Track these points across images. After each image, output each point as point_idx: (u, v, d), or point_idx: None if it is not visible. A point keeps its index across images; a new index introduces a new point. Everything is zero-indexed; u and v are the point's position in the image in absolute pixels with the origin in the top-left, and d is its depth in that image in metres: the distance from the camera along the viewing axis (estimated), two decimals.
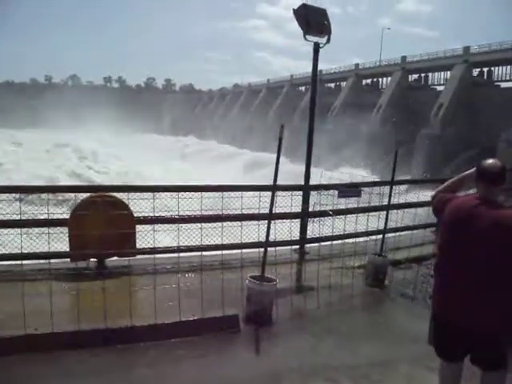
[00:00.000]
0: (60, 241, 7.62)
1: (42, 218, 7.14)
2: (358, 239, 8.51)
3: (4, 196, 7.30)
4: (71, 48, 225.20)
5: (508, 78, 51.26)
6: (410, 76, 61.10)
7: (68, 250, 7.63)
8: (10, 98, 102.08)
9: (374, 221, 8.82)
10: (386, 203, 8.57)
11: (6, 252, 7.25)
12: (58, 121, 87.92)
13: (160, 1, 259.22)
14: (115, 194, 7.88)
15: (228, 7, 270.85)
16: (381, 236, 8.52)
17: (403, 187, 10.93)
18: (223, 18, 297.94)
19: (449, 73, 53.49)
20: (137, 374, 5.32)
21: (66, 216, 7.58)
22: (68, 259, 7.74)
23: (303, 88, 78.40)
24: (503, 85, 50.96)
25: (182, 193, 7.67)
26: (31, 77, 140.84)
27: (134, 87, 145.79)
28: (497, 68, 51.95)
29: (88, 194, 7.84)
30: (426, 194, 10.03)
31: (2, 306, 5.48)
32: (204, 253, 7.15)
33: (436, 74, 60.35)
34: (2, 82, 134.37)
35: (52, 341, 5.45)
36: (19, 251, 6.59)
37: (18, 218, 6.61)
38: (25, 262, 6.64)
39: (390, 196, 8.50)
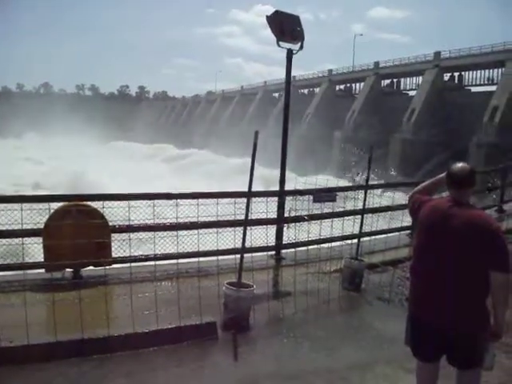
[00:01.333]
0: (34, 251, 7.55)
1: (16, 228, 7.04)
2: (333, 244, 8.56)
3: None
4: (44, 56, 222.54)
5: (478, 82, 52.17)
6: (382, 81, 61.79)
7: (43, 260, 7.56)
8: None
9: (350, 225, 8.89)
10: (361, 207, 8.65)
11: None
12: (26, 129, 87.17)
13: (133, 8, 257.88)
14: (90, 203, 7.82)
15: (201, 13, 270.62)
16: (356, 240, 8.59)
17: (378, 190, 11.04)
18: (197, 24, 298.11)
19: (421, 78, 54.27)
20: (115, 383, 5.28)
21: (41, 226, 7.50)
22: (43, 270, 7.66)
23: (277, 94, 78.70)
24: (473, 89, 51.86)
25: (157, 200, 7.63)
26: (3, 85, 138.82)
27: (107, 95, 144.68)
28: (467, 73, 52.84)
29: (62, 204, 7.77)
30: (400, 197, 10.22)
31: None
32: (180, 260, 7.14)
33: (408, 79, 61.12)
34: None
35: (28, 353, 5.37)
36: None
37: None
38: None
39: (364, 200, 8.57)
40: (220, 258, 7.12)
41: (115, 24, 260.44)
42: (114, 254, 7.89)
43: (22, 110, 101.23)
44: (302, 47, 9.27)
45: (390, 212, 10.37)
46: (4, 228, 7.21)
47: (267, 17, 9.11)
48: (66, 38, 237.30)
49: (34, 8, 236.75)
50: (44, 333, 5.84)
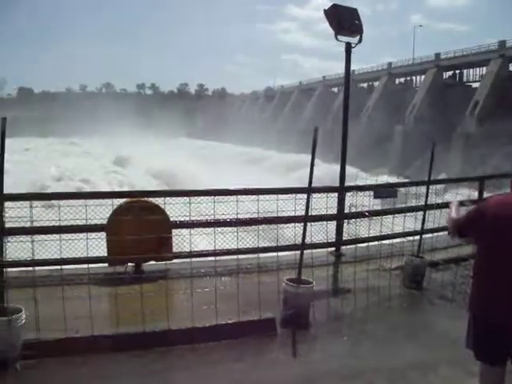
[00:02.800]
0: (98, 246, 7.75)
1: (80, 223, 7.25)
2: (394, 240, 8.42)
3: (43, 202, 7.45)
4: (106, 57, 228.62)
5: None
6: (444, 73, 60.21)
7: (106, 255, 7.76)
8: (46, 108, 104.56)
9: (411, 221, 8.71)
10: (423, 203, 8.45)
11: (47, 257, 7.39)
12: (92, 129, 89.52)
13: (190, 7, 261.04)
14: (151, 199, 7.98)
15: (256, 10, 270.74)
16: (418, 237, 8.40)
17: (440, 186, 10.77)
18: (253, 21, 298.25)
19: (484, 69, 52.53)
20: (175, 377, 5.37)
21: (104, 221, 7.71)
22: (106, 264, 7.88)
23: (336, 89, 77.99)
24: None
25: (218, 197, 7.68)
26: (66, 86, 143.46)
27: (167, 93, 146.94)
28: None
29: (125, 200, 7.96)
30: (464, 193, 9.92)
31: (43, 309, 5.57)
32: (240, 256, 7.16)
33: (471, 70, 59.36)
34: (39, 92, 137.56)
35: (92, 344, 5.54)
36: (59, 256, 6.70)
37: (57, 224, 6.73)
38: (64, 266, 6.74)
39: (426, 196, 8.38)
40: (280, 254, 7.12)
41: (174, 23, 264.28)
42: (174, 250, 8.02)
43: (85, 110, 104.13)
44: (360, 40, 9.13)
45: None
46: (69, 223, 7.44)
47: (325, 11, 9.02)
48: (126, 39, 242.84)
49: (96, 10, 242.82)
50: (107, 325, 6.02)
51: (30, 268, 6.60)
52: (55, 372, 5.21)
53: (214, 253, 7.27)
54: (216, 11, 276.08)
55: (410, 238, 8.81)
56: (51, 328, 5.57)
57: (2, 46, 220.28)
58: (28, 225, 6.50)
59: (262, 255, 7.28)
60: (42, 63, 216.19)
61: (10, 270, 5.86)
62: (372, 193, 8.78)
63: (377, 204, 8.79)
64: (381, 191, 8.84)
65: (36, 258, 6.47)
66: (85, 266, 6.96)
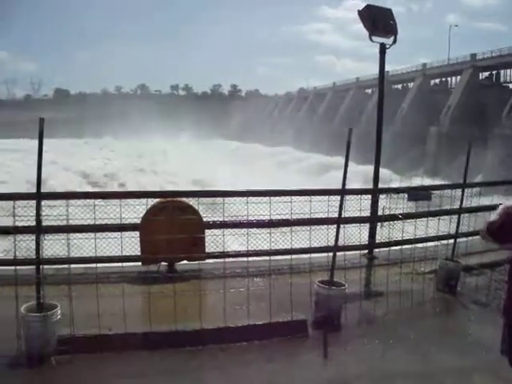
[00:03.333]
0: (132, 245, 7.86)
1: (115, 222, 7.38)
2: (428, 244, 8.31)
3: (79, 202, 7.58)
4: (141, 59, 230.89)
5: None
6: (480, 74, 59.14)
7: (139, 254, 7.85)
8: (82, 109, 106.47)
9: (445, 225, 8.58)
10: (458, 207, 8.32)
11: (82, 256, 7.52)
12: (127, 130, 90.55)
13: (224, 8, 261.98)
14: (185, 199, 8.06)
15: (289, 11, 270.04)
16: (452, 240, 8.27)
17: (476, 189, 10.57)
18: (287, 22, 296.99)
19: None
20: (206, 376, 5.42)
21: (138, 221, 7.81)
22: (139, 263, 7.97)
23: (370, 90, 77.33)
24: None
25: (251, 198, 7.70)
26: (102, 87, 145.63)
27: (201, 94, 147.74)
28: None
29: (158, 200, 8.05)
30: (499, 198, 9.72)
31: (77, 306, 5.68)
32: (273, 257, 7.17)
33: (508, 70, 58.16)
34: (75, 93, 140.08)
35: (125, 341, 5.63)
36: (94, 255, 6.80)
37: (92, 222, 6.85)
38: (99, 265, 6.84)
39: (461, 199, 8.25)
40: (312, 255, 7.10)
41: (207, 25, 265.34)
42: (207, 250, 8.08)
43: (120, 111, 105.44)
44: (395, 41, 9.05)
45: (489, 212, 9.88)
46: (104, 222, 7.56)
47: (359, 11, 8.97)
48: (161, 40, 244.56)
49: (132, 12, 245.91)
50: (140, 323, 6.09)
51: (66, 266, 6.72)
52: (88, 368, 5.30)
53: (247, 253, 7.29)
54: (250, 12, 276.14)
55: (444, 241, 8.70)
56: (85, 325, 5.69)
57: (39, 47, 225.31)
58: (64, 223, 6.62)
59: (294, 256, 7.27)
60: (78, 64, 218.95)
61: (46, 267, 5.98)
62: (406, 195, 8.68)
63: (411, 207, 8.68)
64: (415, 194, 8.73)
65: (71, 255, 6.60)
66: (119, 264, 7.06)
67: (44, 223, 5.72)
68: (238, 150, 76.05)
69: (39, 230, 5.52)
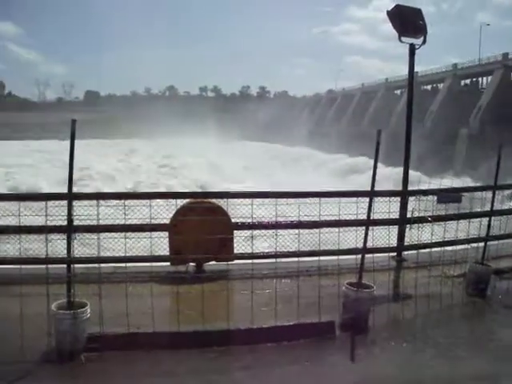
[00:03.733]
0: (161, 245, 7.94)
1: (144, 223, 7.46)
2: (458, 247, 8.21)
3: (109, 202, 7.70)
4: (169, 60, 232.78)
5: None
6: None
7: (168, 254, 7.93)
8: (111, 111, 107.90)
9: (476, 227, 8.47)
10: (488, 209, 8.20)
11: (112, 255, 7.63)
12: (156, 131, 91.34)
13: (251, 10, 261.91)
14: (214, 200, 8.11)
15: (317, 12, 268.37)
16: (482, 243, 8.16)
17: (507, 192, 10.43)
18: (314, 23, 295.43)
19: None
20: (233, 376, 5.44)
21: (167, 221, 7.89)
22: (168, 263, 8.05)
23: (399, 91, 76.62)
24: None
25: (280, 199, 7.70)
26: (132, 89, 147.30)
27: (229, 96, 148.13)
28: None
29: (188, 200, 8.12)
30: None
31: (107, 304, 5.77)
32: (301, 258, 7.17)
33: None
34: (105, 95, 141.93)
35: (153, 340, 5.70)
36: (123, 254, 6.89)
37: (122, 222, 6.94)
38: (128, 264, 6.92)
39: (492, 202, 8.13)
40: (341, 257, 7.08)
41: (235, 26, 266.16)
42: (235, 251, 8.12)
43: (149, 112, 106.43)
44: (424, 41, 8.96)
45: None
46: (133, 222, 7.65)
47: (388, 12, 8.91)
48: (190, 42, 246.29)
49: (161, 14, 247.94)
50: (168, 322, 6.15)
51: (96, 265, 6.82)
52: (116, 366, 5.40)
53: (275, 255, 7.30)
54: (277, 14, 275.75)
55: (474, 244, 8.58)
56: (114, 323, 5.79)
57: (69, 50, 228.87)
58: (94, 223, 6.72)
59: (322, 258, 7.26)
60: (108, 67, 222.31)
61: (77, 266, 6.09)
62: (435, 197, 8.59)
63: (440, 209, 8.58)
64: (445, 196, 8.62)
65: (102, 255, 6.70)
66: (148, 264, 7.14)
67: (75, 223, 5.83)
68: (267, 152, 76.03)
69: (70, 229, 5.62)
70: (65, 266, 5.71)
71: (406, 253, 9.08)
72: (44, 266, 6.19)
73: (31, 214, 7.16)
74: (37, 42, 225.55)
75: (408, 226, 8.83)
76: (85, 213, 6.57)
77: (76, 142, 5.48)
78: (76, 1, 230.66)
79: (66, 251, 5.65)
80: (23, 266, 6.93)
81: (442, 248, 8.12)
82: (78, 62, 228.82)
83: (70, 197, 5.60)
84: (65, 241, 5.68)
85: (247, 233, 8.22)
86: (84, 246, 7.56)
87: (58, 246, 6.73)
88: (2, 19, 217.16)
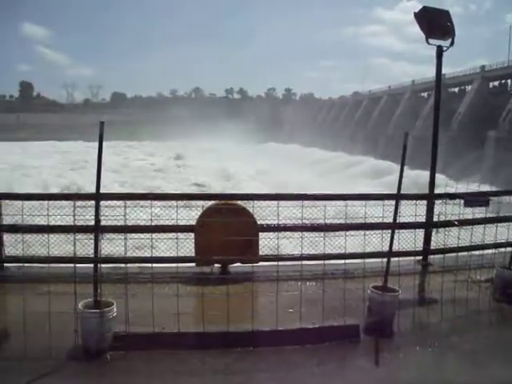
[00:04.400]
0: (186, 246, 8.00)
1: (169, 224, 7.52)
2: (485, 251, 8.11)
3: (135, 203, 7.79)
4: (195, 63, 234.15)
5: None
6: None
7: (194, 255, 7.98)
8: (138, 112, 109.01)
9: (503, 232, 8.37)
10: None
11: (138, 255, 7.72)
12: (181, 132, 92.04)
13: (277, 11, 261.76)
14: (239, 202, 8.15)
15: (343, 14, 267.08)
16: (510, 248, 8.06)
17: None
18: (340, 25, 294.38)
19: None
20: (256, 377, 5.47)
21: (193, 222, 7.94)
22: (193, 264, 8.10)
23: (425, 94, 75.87)
24: None
25: (306, 201, 7.70)
26: (158, 91, 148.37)
27: (255, 98, 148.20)
28: None
29: (213, 202, 8.16)
30: None
31: (133, 304, 5.85)
32: (326, 261, 7.15)
33: None
34: (131, 96, 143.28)
35: (178, 340, 5.75)
36: (149, 255, 6.96)
37: (148, 223, 7.01)
38: (154, 265, 6.98)
39: None
40: (366, 260, 7.05)
41: (262, 28, 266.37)
42: (260, 252, 8.14)
43: (175, 114, 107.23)
44: (452, 43, 8.88)
45: None
46: (160, 223, 7.73)
47: (415, 14, 8.85)
48: (216, 44, 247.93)
49: (185, 16, 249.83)
50: (193, 323, 6.19)
51: (123, 265, 6.90)
52: (141, 365, 5.45)
53: (301, 257, 7.30)
54: (302, 16, 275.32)
55: (502, 249, 8.47)
56: (140, 322, 5.85)
57: (96, 52, 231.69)
58: (121, 223, 6.80)
59: (347, 261, 7.24)
60: (134, 68, 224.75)
61: (103, 265, 6.17)
62: (462, 201, 8.50)
63: (467, 213, 8.49)
64: (472, 200, 8.52)
65: (128, 255, 6.78)
66: (173, 265, 7.20)
67: (102, 223, 5.91)
68: (291, 154, 75.94)
69: (97, 229, 5.69)
70: (92, 265, 5.80)
71: (431, 257, 9.02)
72: (71, 265, 6.29)
73: (59, 214, 7.29)
74: (65, 45, 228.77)
75: (434, 229, 8.77)
76: (112, 213, 6.66)
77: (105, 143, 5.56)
78: (103, 4, 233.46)
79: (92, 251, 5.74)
80: (51, 265, 7.09)
81: (469, 252, 8.03)
82: (105, 64, 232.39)
83: (98, 197, 5.67)
84: (92, 240, 5.77)
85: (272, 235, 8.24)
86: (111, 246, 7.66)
87: (84, 245, 6.86)
88: (32, 22, 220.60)
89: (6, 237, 8.37)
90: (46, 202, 7.09)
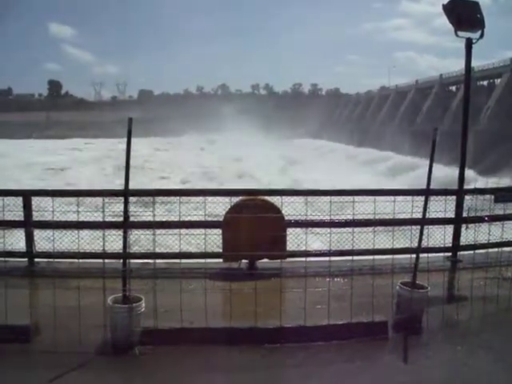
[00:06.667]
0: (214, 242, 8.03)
1: (197, 219, 7.56)
2: None
3: (163, 198, 7.85)
4: (222, 59, 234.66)
5: None
6: None
7: (221, 250, 8.01)
8: (165, 109, 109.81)
9: None
10: None
11: (166, 251, 7.78)
12: (209, 128, 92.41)
13: (303, 7, 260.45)
14: (267, 198, 8.14)
15: (369, 8, 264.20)
16: None
17: None
18: (365, 20, 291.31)
19: None
20: (284, 373, 5.50)
21: (220, 218, 7.96)
22: (221, 259, 8.13)
23: (454, 87, 74.77)
24: None
25: (334, 197, 7.66)
26: (184, 88, 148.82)
27: (281, 93, 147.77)
28: None
29: (241, 198, 8.17)
30: None
31: (161, 299, 5.90)
32: (355, 257, 7.12)
33: None
34: (158, 93, 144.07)
35: (206, 335, 5.79)
36: (177, 251, 6.99)
37: (176, 219, 7.04)
38: (183, 260, 7.03)
39: None
40: (395, 256, 6.99)
41: (287, 23, 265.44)
42: (288, 248, 8.12)
43: (201, 110, 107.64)
44: (482, 36, 8.72)
45: None
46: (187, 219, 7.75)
47: (443, 5, 8.71)
48: (242, 40, 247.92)
49: (211, 13, 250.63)
50: (220, 318, 6.25)
51: (151, 260, 6.96)
52: (169, 360, 5.51)
53: (329, 253, 7.27)
54: (327, 10, 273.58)
55: None
56: (168, 318, 5.93)
57: (122, 50, 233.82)
58: (149, 219, 6.85)
59: (376, 257, 7.18)
60: (161, 65, 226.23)
61: (132, 261, 6.23)
62: (493, 196, 8.37)
63: (498, 208, 8.35)
64: (503, 195, 8.40)
65: (156, 251, 6.83)
66: (201, 260, 7.24)
67: (131, 219, 5.97)
68: (318, 149, 75.74)
69: (126, 225, 5.75)
70: (121, 260, 5.86)
71: (461, 253, 8.90)
72: (101, 261, 6.37)
73: (88, 210, 7.40)
74: (91, 43, 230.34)
75: (464, 225, 8.64)
76: (140, 209, 6.72)
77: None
78: (128, 2, 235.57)
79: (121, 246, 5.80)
80: (81, 260, 7.19)
81: (500, 249, 7.91)
82: (132, 62, 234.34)
83: (127, 193, 5.72)
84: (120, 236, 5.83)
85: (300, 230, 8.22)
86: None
87: (114, 241, 6.94)
88: (59, 22, 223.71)
89: (37, 232, 8.51)
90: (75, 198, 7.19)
